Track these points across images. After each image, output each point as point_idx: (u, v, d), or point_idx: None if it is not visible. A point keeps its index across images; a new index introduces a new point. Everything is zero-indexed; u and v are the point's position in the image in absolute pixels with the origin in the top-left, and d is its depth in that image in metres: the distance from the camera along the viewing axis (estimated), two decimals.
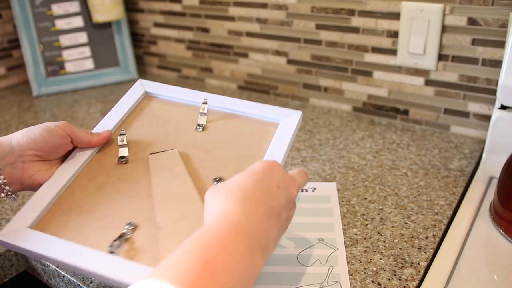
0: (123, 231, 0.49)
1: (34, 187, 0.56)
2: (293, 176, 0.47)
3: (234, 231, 0.36)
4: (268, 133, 0.62)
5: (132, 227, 0.50)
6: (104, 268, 0.45)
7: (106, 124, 0.63)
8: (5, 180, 0.53)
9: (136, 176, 0.57)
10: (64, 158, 0.59)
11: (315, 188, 0.74)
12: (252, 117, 0.65)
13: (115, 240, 0.48)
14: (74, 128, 0.58)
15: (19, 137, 0.54)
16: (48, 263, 0.60)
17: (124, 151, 0.60)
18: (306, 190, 0.73)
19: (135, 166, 0.59)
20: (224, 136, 0.62)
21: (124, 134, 0.61)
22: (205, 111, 0.64)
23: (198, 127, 0.64)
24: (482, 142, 0.86)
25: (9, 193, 0.54)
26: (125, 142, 0.60)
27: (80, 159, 0.58)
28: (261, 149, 0.60)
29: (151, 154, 0.60)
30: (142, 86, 0.70)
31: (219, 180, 0.55)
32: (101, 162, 0.59)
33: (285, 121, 0.63)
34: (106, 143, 0.61)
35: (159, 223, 0.50)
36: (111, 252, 0.47)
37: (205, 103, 0.65)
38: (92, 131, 0.60)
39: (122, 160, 0.59)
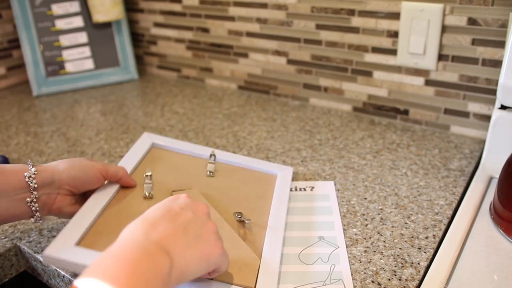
0: None
1: (59, 215, 0.62)
2: (199, 201, 0.52)
3: (129, 245, 0.41)
4: (270, 181, 0.72)
5: None
6: None
7: None
8: (37, 208, 0.57)
9: None
10: (89, 192, 0.64)
11: (313, 187, 0.74)
12: (253, 169, 0.75)
13: None
14: (110, 170, 0.62)
15: (60, 171, 0.59)
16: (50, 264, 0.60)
17: (149, 188, 0.65)
18: (305, 189, 0.73)
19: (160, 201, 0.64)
20: (233, 181, 0.71)
21: (149, 172, 0.67)
22: (213, 161, 0.73)
23: (208, 173, 0.72)
24: (482, 142, 0.86)
25: (38, 218, 0.59)
26: (150, 181, 0.66)
27: (110, 190, 0.63)
28: (267, 191, 0.70)
29: (173, 191, 0.66)
30: (149, 138, 0.77)
31: (240, 214, 0.63)
32: (128, 195, 0.64)
33: (281, 173, 0.74)
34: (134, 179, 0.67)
35: None
36: None
37: (213, 154, 0.74)
38: None
39: (148, 195, 0.64)
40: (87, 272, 0.37)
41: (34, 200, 0.56)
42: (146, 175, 0.66)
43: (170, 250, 0.43)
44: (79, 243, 0.54)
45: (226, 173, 0.73)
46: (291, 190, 0.73)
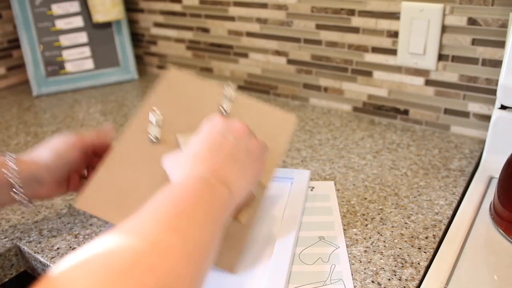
0: None
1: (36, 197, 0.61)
2: (233, 119, 0.54)
3: (193, 180, 0.44)
4: (285, 129, 0.68)
5: None
6: None
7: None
8: (26, 199, 0.58)
9: None
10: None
11: (313, 187, 0.74)
12: (271, 109, 0.70)
13: None
14: (86, 140, 0.62)
15: (41, 165, 0.58)
16: (49, 263, 0.60)
17: (155, 130, 0.62)
18: None
19: (166, 146, 0.61)
20: (247, 121, 0.66)
21: (156, 112, 0.62)
22: (229, 95, 0.69)
23: (223, 110, 0.67)
24: (482, 142, 0.86)
25: (29, 204, 0.59)
26: (156, 121, 0.62)
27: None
28: (279, 144, 0.66)
29: (179, 134, 0.62)
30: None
31: None
32: (134, 140, 0.61)
33: (297, 178, 0.73)
34: (139, 120, 0.63)
35: None
36: None
37: (229, 85, 0.69)
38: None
39: (154, 138, 0.61)
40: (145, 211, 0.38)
41: (21, 194, 0.57)
42: (153, 114, 0.62)
43: (227, 180, 0.46)
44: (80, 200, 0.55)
45: (241, 112, 0.68)
46: None
